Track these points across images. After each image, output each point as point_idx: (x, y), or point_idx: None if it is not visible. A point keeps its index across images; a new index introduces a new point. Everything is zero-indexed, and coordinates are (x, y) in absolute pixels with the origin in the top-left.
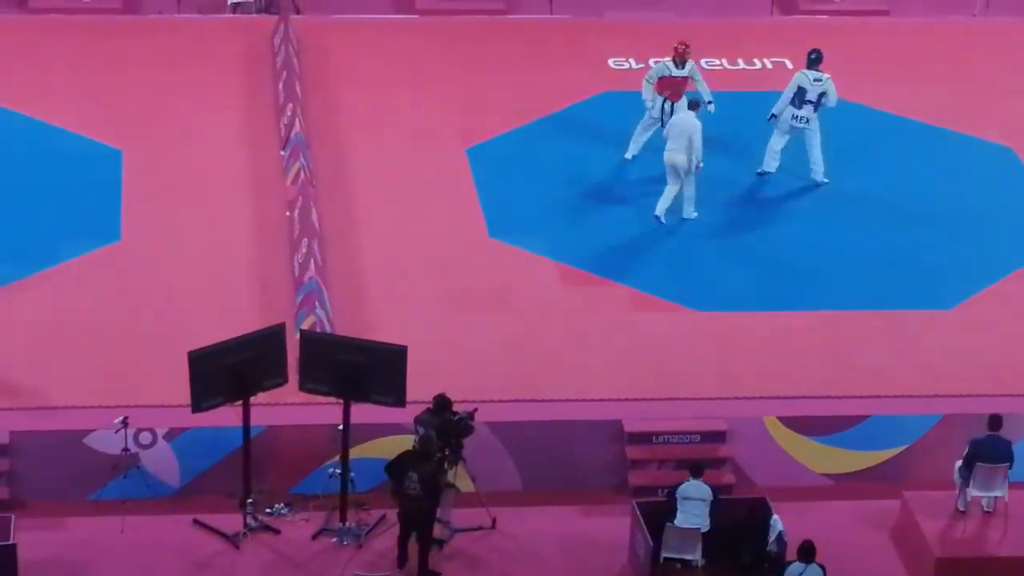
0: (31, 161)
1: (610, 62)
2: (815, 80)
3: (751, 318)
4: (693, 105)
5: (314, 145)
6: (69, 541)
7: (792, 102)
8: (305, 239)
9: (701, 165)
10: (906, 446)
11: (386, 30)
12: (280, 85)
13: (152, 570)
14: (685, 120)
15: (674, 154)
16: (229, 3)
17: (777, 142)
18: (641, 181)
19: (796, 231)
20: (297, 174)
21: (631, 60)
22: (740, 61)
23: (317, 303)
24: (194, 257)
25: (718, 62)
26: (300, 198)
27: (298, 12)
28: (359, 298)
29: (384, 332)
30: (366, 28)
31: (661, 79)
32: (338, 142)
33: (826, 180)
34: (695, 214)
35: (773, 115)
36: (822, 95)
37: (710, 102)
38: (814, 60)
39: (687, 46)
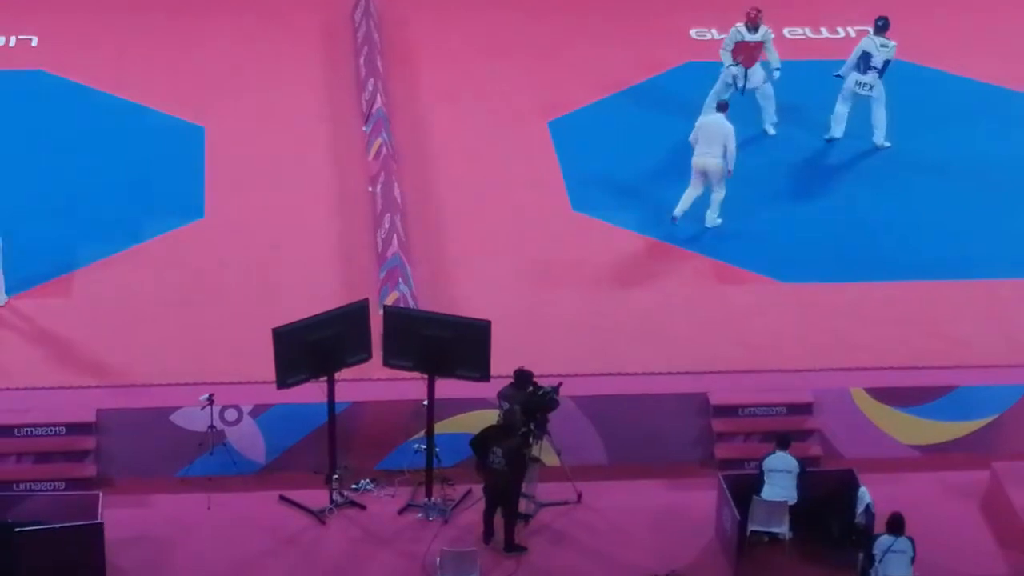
0: (114, 139)
1: (692, 32)
2: (881, 46)
3: (835, 288)
4: (722, 107)
5: (396, 120)
6: (156, 518)
7: (857, 67)
8: (388, 214)
9: (731, 171)
10: (995, 416)
11: (466, 3)
12: (361, 60)
13: (239, 546)
14: (717, 123)
15: (707, 158)
16: None
17: (842, 108)
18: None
19: (877, 199)
20: (379, 149)
21: (713, 30)
22: (823, 30)
23: (400, 278)
24: (277, 233)
25: (801, 31)
26: (382, 173)
27: None
28: (442, 273)
29: (468, 307)
30: (446, 2)
31: (735, 44)
32: (420, 117)
33: (887, 144)
34: (719, 221)
35: (839, 75)
36: (887, 62)
37: (777, 69)
38: (881, 27)
39: (759, 11)
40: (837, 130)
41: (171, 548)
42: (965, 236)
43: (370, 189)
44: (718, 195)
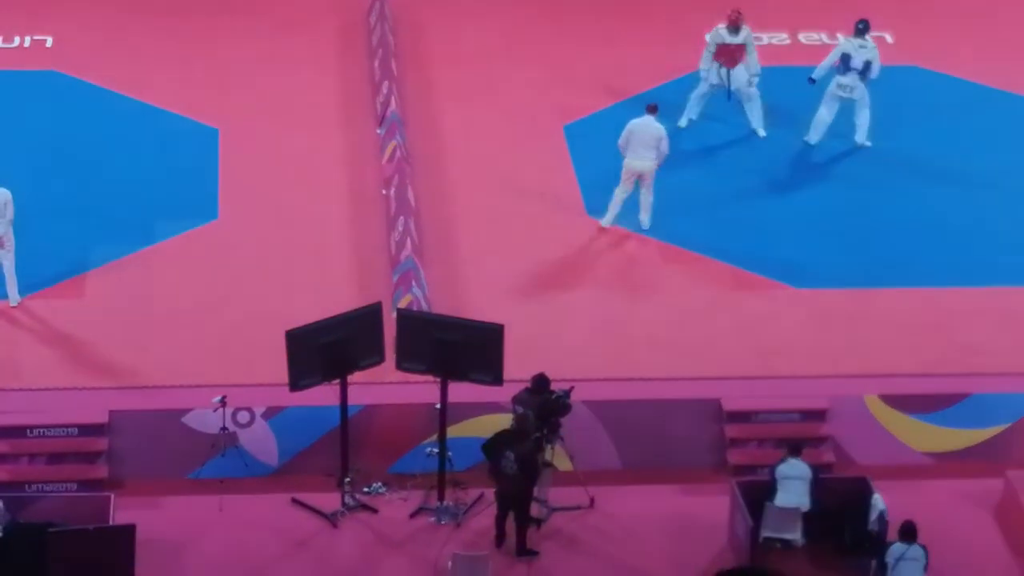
0: (128, 141)
1: (707, 37)
2: (860, 47)
3: (850, 294)
4: (652, 109)
5: (410, 123)
6: (167, 520)
7: (838, 70)
8: (401, 217)
9: (662, 163)
10: (1009, 424)
11: (482, 7)
12: (376, 63)
13: (250, 549)
14: (649, 126)
15: (643, 162)
16: None
17: (825, 113)
18: (736, 156)
19: (894, 206)
20: (393, 152)
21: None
22: (839, 35)
23: (414, 281)
24: (291, 236)
25: (816, 36)
26: (396, 176)
27: None
28: (456, 276)
29: (481, 310)
30: (462, 5)
31: (717, 47)
32: (434, 120)
33: (868, 143)
34: (648, 224)
35: (812, 79)
36: (867, 63)
37: (756, 75)
38: (861, 30)
39: (740, 12)
40: (814, 135)
41: (182, 550)
42: (980, 243)
43: (384, 192)
44: (649, 198)
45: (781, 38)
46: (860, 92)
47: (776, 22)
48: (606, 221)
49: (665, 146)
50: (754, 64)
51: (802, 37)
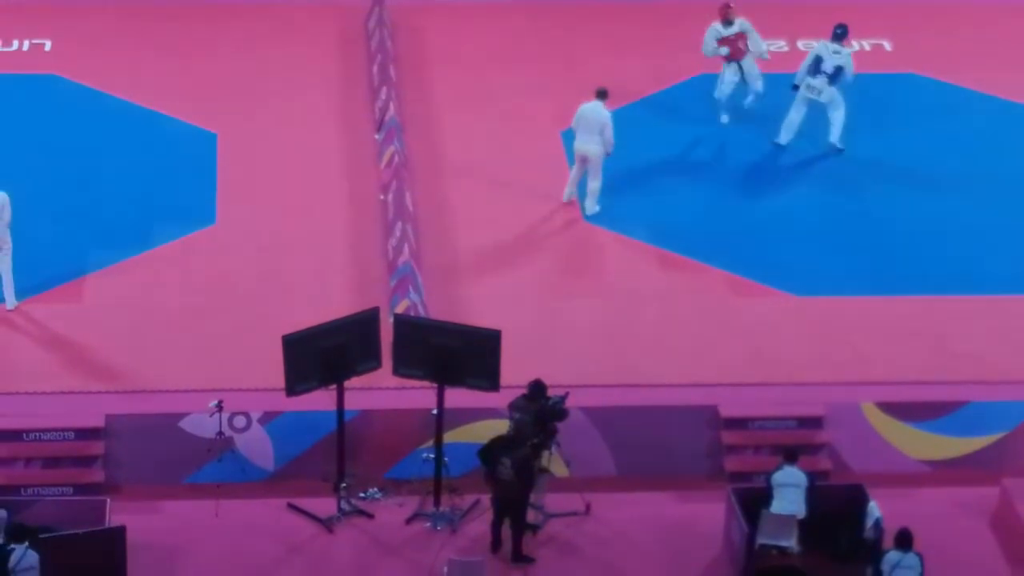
0: (126, 145)
1: (705, 36)
2: (834, 52)
3: (848, 302)
4: (602, 95)
5: (408, 128)
6: (163, 524)
7: (808, 71)
8: (399, 223)
9: (611, 151)
10: (1006, 432)
11: (481, 12)
12: (374, 68)
13: (246, 554)
14: (595, 111)
15: (587, 145)
16: None
17: (795, 114)
18: (739, 163)
19: (894, 214)
20: (391, 157)
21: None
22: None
23: (411, 287)
24: (288, 241)
25: (816, 43)
26: (394, 181)
27: None
28: (453, 282)
29: (478, 316)
30: (460, 10)
31: (719, 40)
32: (432, 125)
33: (841, 147)
34: (597, 208)
35: (795, 86)
36: (839, 68)
37: (763, 53)
38: (839, 35)
39: (730, 7)
40: (785, 136)
41: (178, 555)
42: (981, 251)
43: (382, 197)
44: (594, 184)
45: (779, 45)
46: (828, 95)
47: (775, 30)
48: (566, 195)
49: (609, 133)
50: (758, 44)
51: (800, 44)
